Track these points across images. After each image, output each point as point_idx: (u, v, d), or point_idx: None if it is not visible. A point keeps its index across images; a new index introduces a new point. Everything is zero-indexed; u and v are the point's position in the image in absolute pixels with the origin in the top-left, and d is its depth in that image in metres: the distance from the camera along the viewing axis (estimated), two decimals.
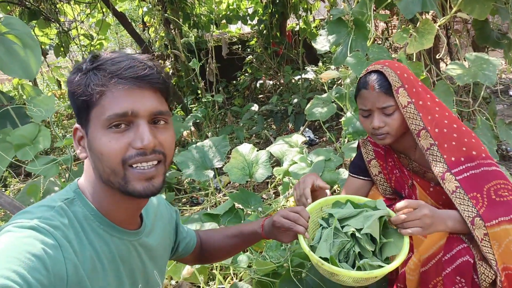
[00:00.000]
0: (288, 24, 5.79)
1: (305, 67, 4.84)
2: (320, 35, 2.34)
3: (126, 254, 0.89)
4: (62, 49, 4.16)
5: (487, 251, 1.13)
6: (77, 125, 0.83)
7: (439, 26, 2.20)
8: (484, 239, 1.13)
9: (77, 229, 0.79)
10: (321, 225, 1.22)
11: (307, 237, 1.13)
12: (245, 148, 2.32)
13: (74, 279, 0.73)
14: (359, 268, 1.08)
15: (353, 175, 1.56)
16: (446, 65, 3.01)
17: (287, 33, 5.61)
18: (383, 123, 1.29)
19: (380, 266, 1.06)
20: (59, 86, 4.67)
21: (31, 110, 1.50)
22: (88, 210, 0.82)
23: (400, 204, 1.12)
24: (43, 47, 4.26)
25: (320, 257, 1.08)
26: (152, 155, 0.79)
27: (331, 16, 2.32)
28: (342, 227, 1.16)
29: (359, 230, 1.13)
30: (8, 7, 3.80)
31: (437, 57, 2.33)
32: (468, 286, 1.15)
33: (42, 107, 1.43)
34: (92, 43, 4.47)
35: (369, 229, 1.11)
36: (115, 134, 0.77)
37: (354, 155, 2.10)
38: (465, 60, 2.18)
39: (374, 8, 2.19)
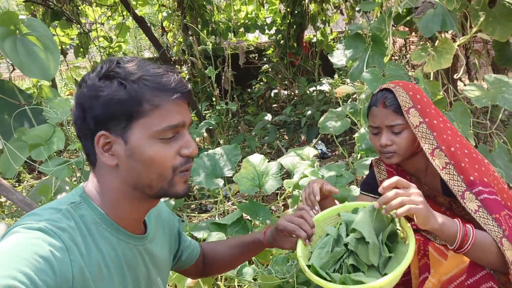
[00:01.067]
0: (306, 35, 5.80)
1: (321, 79, 4.84)
2: (337, 49, 2.33)
3: (132, 259, 0.89)
4: (81, 49, 4.23)
5: None
6: (104, 132, 0.81)
7: (458, 45, 2.18)
8: None
9: (84, 232, 0.80)
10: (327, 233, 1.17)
11: (307, 244, 1.09)
12: (256, 159, 2.31)
13: (80, 282, 0.74)
14: (343, 283, 1.00)
15: (365, 194, 1.53)
16: (464, 84, 2.97)
17: (304, 44, 5.62)
18: (390, 141, 1.28)
19: (362, 282, 0.98)
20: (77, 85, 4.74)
21: (47, 112, 1.52)
22: (95, 214, 0.83)
23: (388, 181, 1.06)
24: (63, 46, 4.35)
25: (307, 265, 1.04)
26: (192, 162, 0.88)
27: (349, 31, 2.31)
28: (348, 235, 1.10)
29: (360, 239, 1.06)
30: (32, 7, 3.89)
31: (455, 77, 2.30)
32: None
33: (58, 109, 1.45)
34: (111, 45, 4.54)
35: (359, 225, 1.04)
36: (165, 143, 0.82)
37: (366, 172, 2.08)
38: (483, 81, 2.14)
39: (393, 25, 2.18)
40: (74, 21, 4.15)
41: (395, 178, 1.06)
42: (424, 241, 1.34)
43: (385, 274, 1.02)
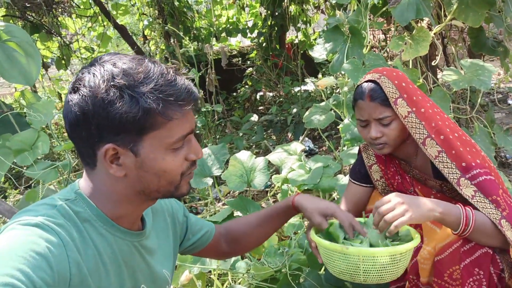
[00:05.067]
0: (288, 37, 5.86)
1: (305, 79, 4.89)
2: (318, 43, 2.37)
3: (129, 255, 0.89)
4: (63, 61, 4.22)
5: None
6: (112, 146, 0.78)
7: (434, 34, 2.23)
8: None
9: (80, 229, 0.79)
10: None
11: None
12: (244, 156, 2.33)
13: (77, 278, 0.74)
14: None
15: (354, 182, 1.54)
16: (442, 73, 3.04)
17: (287, 46, 5.67)
18: (380, 133, 1.28)
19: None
20: (60, 98, 4.72)
21: (31, 116, 1.52)
22: (90, 211, 0.82)
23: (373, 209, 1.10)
24: (45, 60, 4.32)
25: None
26: (196, 163, 0.89)
27: (328, 25, 2.35)
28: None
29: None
30: (11, 21, 3.87)
31: (433, 64, 2.36)
32: (485, 279, 1.13)
33: (42, 111, 1.45)
34: (93, 55, 4.53)
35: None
36: (175, 152, 0.83)
37: (352, 161, 2.11)
38: (461, 68, 2.20)
39: (370, 17, 2.23)
40: (55, 33, 4.13)
41: (376, 204, 1.09)
42: None
43: None
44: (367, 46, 2.18)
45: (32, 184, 3.31)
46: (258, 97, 5.52)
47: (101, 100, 0.75)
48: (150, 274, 0.95)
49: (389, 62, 2.32)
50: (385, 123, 1.28)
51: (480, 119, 2.48)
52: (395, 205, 1.06)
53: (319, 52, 2.36)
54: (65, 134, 4.84)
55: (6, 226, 0.74)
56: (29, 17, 3.95)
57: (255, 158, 2.33)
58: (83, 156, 0.83)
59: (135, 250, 0.90)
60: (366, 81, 1.31)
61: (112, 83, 0.75)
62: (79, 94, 0.76)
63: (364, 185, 1.52)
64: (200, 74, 3.08)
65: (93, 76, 0.77)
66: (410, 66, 2.23)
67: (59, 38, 4.20)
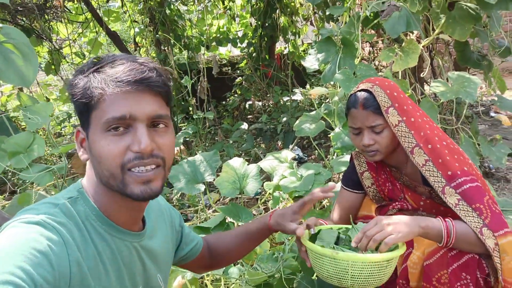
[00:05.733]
0: (277, 48, 5.93)
1: (293, 89, 4.95)
2: (309, 54, 2.42)
3: (127, 256, 0.89)
4: (53, 67, 4.18)
5: (497, 261, 1.14)
6: (79, 128, 0.84)
7: (423, 46, 2.31)
8: (495, 249, 1.14)
9: (81, 227, 0.80)
10: None
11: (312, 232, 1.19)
12: (236, 162, 2.35)
13: (78, 277, 0.74)
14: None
15: (347, 189, 1.57)
16: (429, 86, 3.13)
17: (276, 56, 5.74)
18: (372, 140, 1.33)
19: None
20: None
21: (26, 118, 1.52)
22: (90, 210, 0.83)
23: (360, 234, 1.14)
24: None
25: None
26: (150, 159, 0.79)
27: (320, 36, 2.41)
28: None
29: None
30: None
31: (421, 75, 2.43)
32: (472, 283, 1.17)
33: (39, 114, 1.45)
34: (84, 61, 4.51)
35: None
36: (114, 137, 0.77)
37: (343, 169, 2.14)
38: (448, 80, 2.27)
39: (362, 28, 2.29)
40: (45, 38, 4.11)
41: (361, 231, 1.13)
42: None
43: None
44: (358, 57, 2.24)
45: (18, 191, 3.26)
46: (247, 105, 5.56)
47: (69, 84, 0.82)
48: (145, 277, 0.95)
49: (379, 74, 2.39)
50: (377, 131, 1.32)
51: (466, 130, 2.56)
52: (382, 226, 1.11)
53: (311, 62, 2.41)
54: (57, 139, 4.79)
55: (8, 224, 0.74)
56: (20, 21, 3.92)
57: (248, 165, 2.35)
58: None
59: (134, 252, 0.91)
60: (359, 90, 1.35)
61: (80, 68, 0.83)
62: None
63: (356, 191, 1.55)
64: (192, 81, 3.10)
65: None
66: (400, 77, 2.30)
67: (49, 43, 4.17)
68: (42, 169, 1.55)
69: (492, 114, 4.19)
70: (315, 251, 1.10)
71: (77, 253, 0.75)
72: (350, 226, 1.26)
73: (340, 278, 1.07)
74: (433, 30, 2.36)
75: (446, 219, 1.18)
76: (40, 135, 1.64)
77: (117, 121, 0.77)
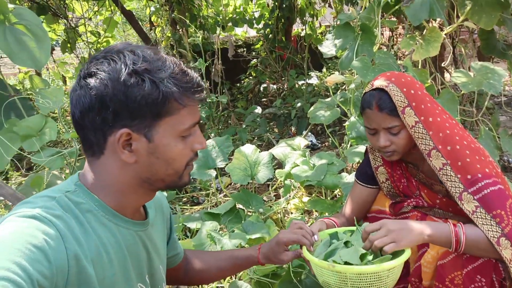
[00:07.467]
0: (294, 30, 5.82)
1: (309, 73, 4.86)
2: (327, 39, 2.35)
3: (133, 244, 0.89)
4: (69, 45, 4.18)
5: None
6: (127, 131, 0.79)
7: (445, 34, 2.22)
8: None
9: (81, 220, 0.79)
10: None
11: (311, 250, 1.19)
12: (248, 149, 2.33)
13: (75, 269, 0.73)
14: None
15: (361, 183, 1.53)
16: (450, 75, 3.03)
17: (293, 38, 5.63)
18: (389, 142, 1.28)
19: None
20: (64, 82, 4.69)
21: (38, 102, 1.51)
22: (92, 201, 0.82)
23: (364, 234, 1.14)
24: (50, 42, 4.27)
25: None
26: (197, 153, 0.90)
27: (338, 21, 2.33)
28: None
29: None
30: (17, 2, 3.83)
31: (442, 65, 2.34)
32: (487, 286, 1.14)
33: (51, 98, 1.44)
34: (99, 40, 4.49)
35: (347, 256, 1.11)
36: (184, 140, 0.85)
37: (357, 159, 2.11)
38: (470, 70, 2.19)
39: (382, 14, 2.21)
40: (61, 16, 4.09)
41: (366, 230, 1.13)
42: (421, 216, 1.36)
43: None
44: (377, 44, 2.17)
45: (34, 167, 3.31)
46: (261, 88, 5.50)
47: (123, 83, 0.76)
48: (150, 267, 0.95)
49: (398, 62, 2.31)
50: (393, 132, 1.27)
51: (486, 122, 2.48)
52: (386, 233, 1.09)
53: (328, 47, 2.34)
54: (69, 121, 4.83)
55: (4, 218, 0.74)
56: None
57: (259, 152, 2.33)
58: (91, 144, 0.83)
59: (139, 240, 0.91)
60: (374, 89, 1.29)
61: (133, 67, 0.77)
62: (98, 78, 0.78)
63: (370, 186, 1.51)
64: (206, 64, 3.06)
65: (112, 61, 0.79)
66: (419, 66, 2.22)
67: (65, 21, 4.16)
68: (53, 153, 1.55)
69: None
70: (314, 263, 1.11)
71: (74, 246, 0.74)
72: (353, 228, 1.26)
73: None
74: (458, 17, 2.25)
75: (457, 225, 1.14)
76: (55, 115, 1.63)
77: (194, 126, 0.86)
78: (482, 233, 1.12)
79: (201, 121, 3.49)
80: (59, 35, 4.61)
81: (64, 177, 1.67)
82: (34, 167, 3.27)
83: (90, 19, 4.56)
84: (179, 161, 0.85)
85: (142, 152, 0.82)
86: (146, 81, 0.77)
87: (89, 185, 0.84)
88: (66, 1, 4.11)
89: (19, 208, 0.76)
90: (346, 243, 1.19)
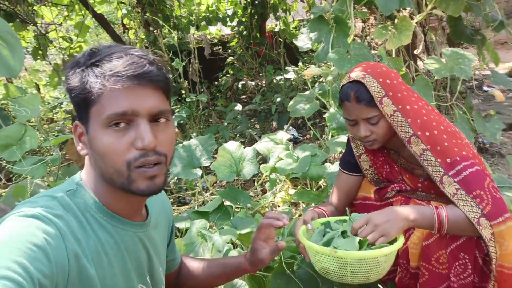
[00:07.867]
0: (268, 25, 5.84)
1: (286, 68, 4.90)
2: (302, 33, 2.38)
3: (132, 246, 0.88)
4: (40, 52, 4.09)
5: (492, 251, 1.15)
6: (77, 122, 0.82)
7: (416, 23, 2.28)
8: (491, 239, 1.14)
9: (81, 219, 0.79)
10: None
11: (310, 228, 1.23)
12: (232, 146, 2.34)
13: (75, 269, 0.74)
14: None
15: (345, 172, 1.56)
16: (423, 62, 3.11)
17: (267, 34, 5.66)
18: (369, 131, 1.31)
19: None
20: (38, 90, 4.58)
21: (16, 110, 1.49)
22: (90, 202, 0.82)
23: (353, 231, 1.17)
24: None
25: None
26: (154, 157, 0.78)
27: (312, 15, 2.36)
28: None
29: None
30: None
31: (415, 52, 2.41)
32: (471, 263, 1.19)
33: (27, 106, 1.41)
34: (72, 45, 4.40)
35: (346, 246, 1.14)
36: (116, 134, 0.76)
37: (339, 149, 2.15)
38: (441, 56, 2.26)
39: (354, 6, 2.25)
40: (29, 22, 3.99)
41: (354, 226, 1.16)
42: (405, 200, 1.39)
43: None
44: (352, 35, 2.21)
45: (13, 178, 3.23)
46: (240, 86, 5.51)
47: (66, 77, 0.80)
48: (150, 268, 0.95)
49: (373, 52, 2.36)
50: (373, 122, 1.29)
51: (459, 106, 2.56)
52: (373, 228, 1.12)
53: (303, 41, 2.37)
54: (46, 129, 4.72)
55: (5, 218, 0.73)
56: (2, 5, 3.80)
57: (243, 148, 2.34)
58: None
59: (138, 241, 0.90)
60: (351, 82, 1.31)
61: (74, 62, 0.80)
62: None
63: (354, 174, 1.55)
64: (183, 64, 3.05)
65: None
66: (394, 55, 2.28)
67: (34, 27, 4.06)
68: (35, 161, 1.52)
69: (485, 88, 4.19)
70: (314, 249, 1.11)
71: (75, 245, 0.74)
72: (346, 218, 1.28)
73: (339, 275, 1.09)
74: (426, 5, 2.32)
75: (439, 207, 1.19)
76: (32, 123, 1.61)
77: (119, 117, 0.76)
78: (463, 214, 1.17)
79: (182, 121, 3.47)
80: (29, 42, 4.50)
81: (48, 185, 1.64)
82: (14, 177, 3.20)
83: (60, 24, 4.46)
84: (113, 157, 0.76)
85: (87, 144, 0.81)
86: (76, 71, 0.78)
87: (88, 183, 0.84)
88: (34, 7, 4.01)
89: (20, 207, 0.76)
90: (343, 233, 1.21)
